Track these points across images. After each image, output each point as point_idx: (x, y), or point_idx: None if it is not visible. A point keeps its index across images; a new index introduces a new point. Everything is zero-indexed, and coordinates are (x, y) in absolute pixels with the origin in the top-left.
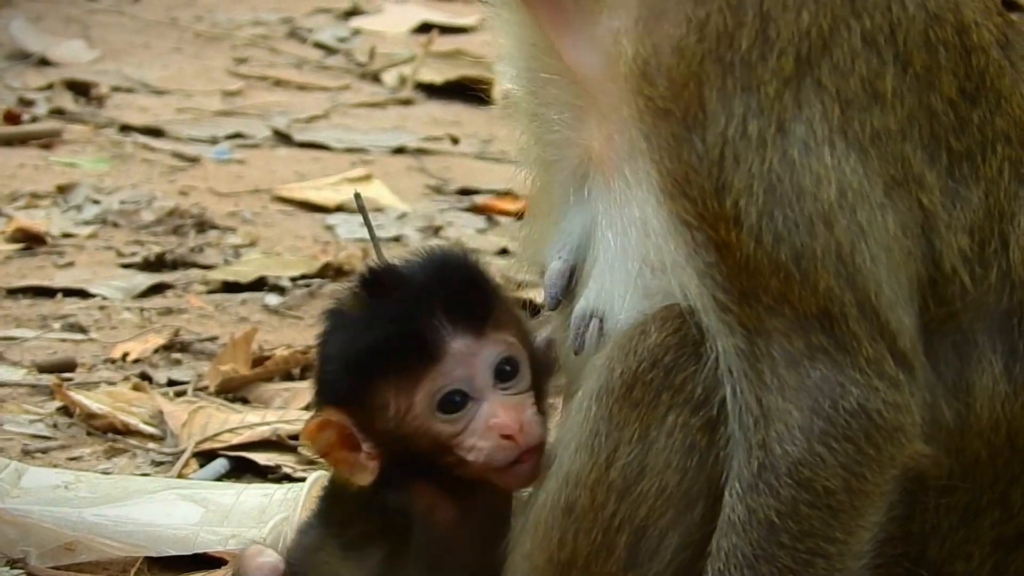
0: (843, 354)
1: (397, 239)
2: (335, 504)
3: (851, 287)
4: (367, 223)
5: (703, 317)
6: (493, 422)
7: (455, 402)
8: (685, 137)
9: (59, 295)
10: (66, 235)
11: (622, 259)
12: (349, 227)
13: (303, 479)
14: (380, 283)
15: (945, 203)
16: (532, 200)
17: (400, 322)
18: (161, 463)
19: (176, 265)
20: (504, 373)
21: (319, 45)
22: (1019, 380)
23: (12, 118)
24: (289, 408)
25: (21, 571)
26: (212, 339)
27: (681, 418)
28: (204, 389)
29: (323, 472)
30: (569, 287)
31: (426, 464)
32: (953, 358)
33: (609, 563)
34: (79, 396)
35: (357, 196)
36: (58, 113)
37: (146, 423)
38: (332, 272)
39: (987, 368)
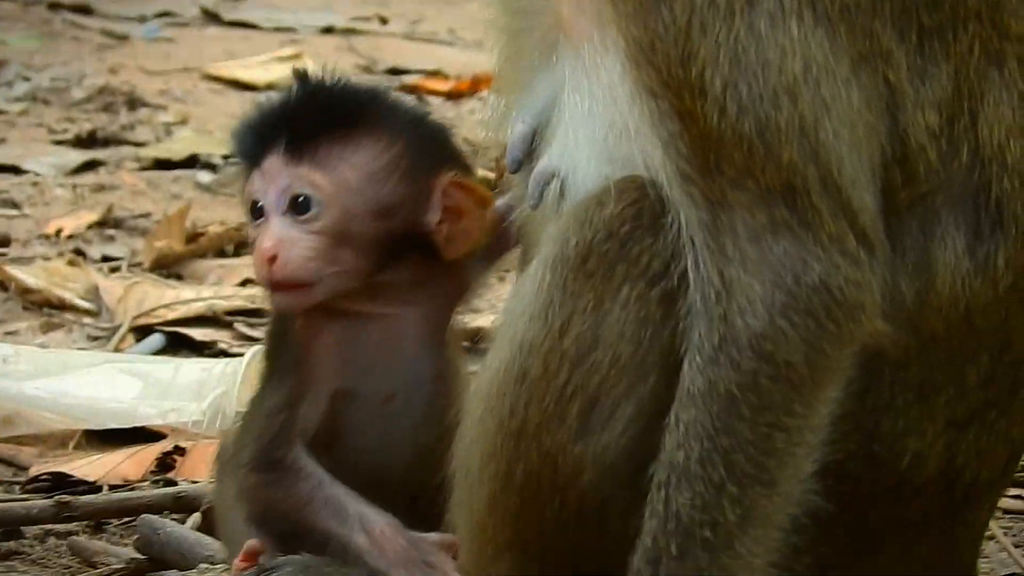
0: (805, 229)
1: None
2: None
3: (814, 161)
4: None
5: (666, 188)
6: (257, 241)
7: (255, 211)
8: (652, 5)
9: None
10: None
11: (588, 123)
12: None
13: (240, 354)
14: (299, 80)
15: (913, 80)
16: (499, 70)
17: (254, 125)
18: (97, 338)
19: (108, 142)
20: (297, 206)
21: None
22: (981, 258)
23: None
24: (224, 284)
25: None
26: (145, 215)
27: (636, 290)
28: (139, 265)
29: (261, 347)
30: (530, 150)
31: None
32: (918, 235)
33: (560, 431)
34: (14, 271)
35: (295, 71)
36: None
37: (81, 298)
38: None
39: (950, 245)
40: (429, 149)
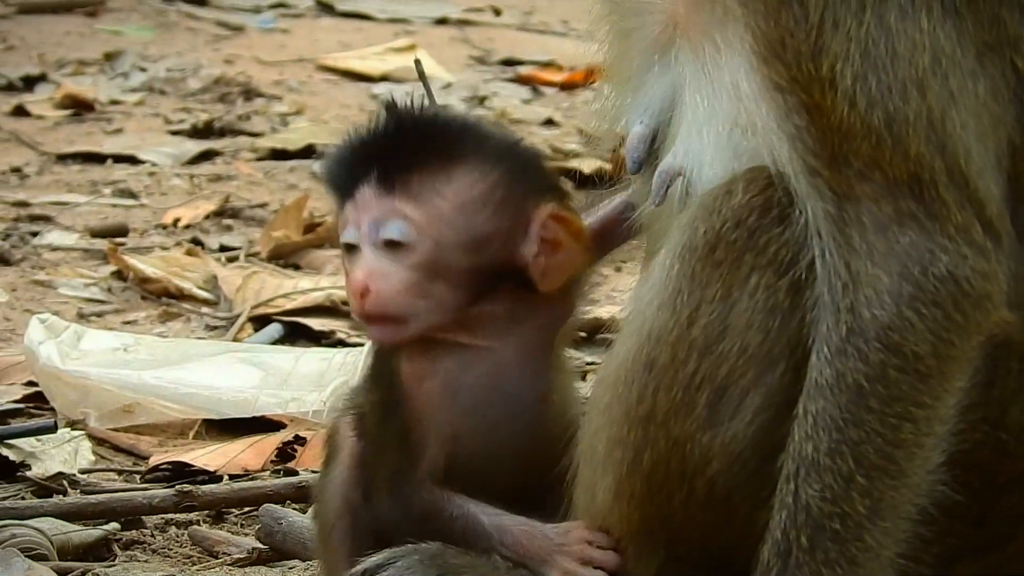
0: (932, 221)
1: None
2: None
3: (941, 153)
4: (427, 90)
5: (793, 181)
6: (351, 273)
7: (348, 244)
8: (784, 2)
9: (109, 161)
10: (114, 102)
11: (711, 121)
12: (394, 96)
13: (360, 345)
14: (390, 110)
15: None
16: (607, 70)
17: (345, 156)
18: (215, 327)
19: (224, 132)
20: (389, 240)
21: None
22: None
23: None
24: (341, 274)
25: (81, 432)
26: (262, 205)
27: (764, 279)
28: (255, 255)
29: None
30: (650, 151)
31: None
32: None
33: (688, 420)
34: (133, 260)
35: (417, 63)
36: None
37: (200, 288)
38: None
39: None
40: (524, 179)
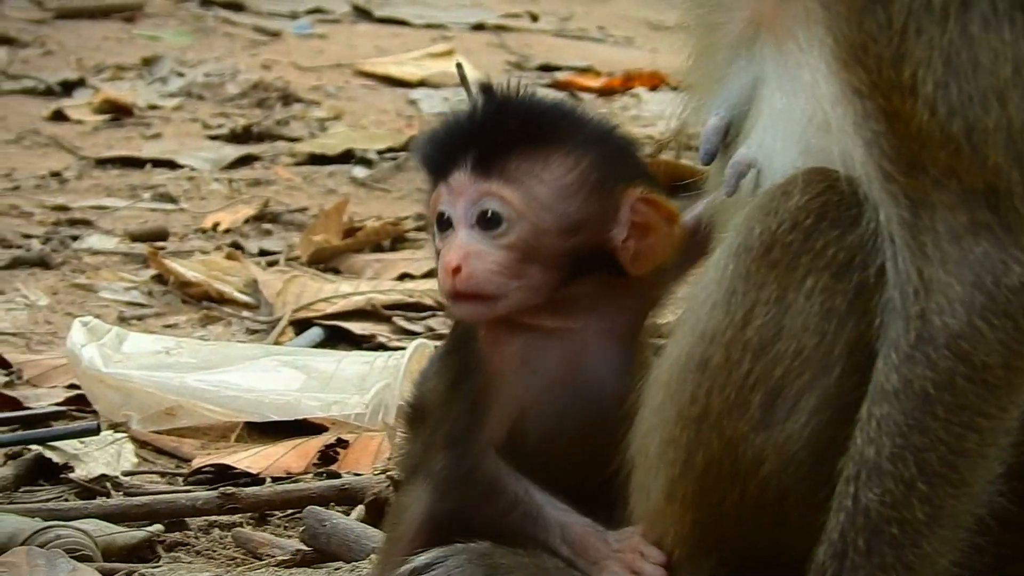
0: (1007, 232)
1: None
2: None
3: (1019, 165)
4: (468, 93)
5: (866, 186)
6: (444, 252)
7: (443, 224)
8: (868, 7)
9: (148, 165)
10: (152, 107)
11: (786, 117)
12: (432, 102)
13: (401, 348)
14: (484, 92)
15: None
16: (690, 64)
17: (445, 133)
18: (256, 331)
19: (262, 137)
20: (486, 220)
21: None
22: None
23: None
24: (381, 278)
25: (124, 435)
26: (301, 210)
27: (821, 282)
28: (295, 259)
29: (424, 341)
30: (724, 143)
31: None
32: None
33: (742, 421)
34: (173, 264)
35: (459, 66)
36: None
37: (240, 291)
38: None
39: None
40: (617, 163)
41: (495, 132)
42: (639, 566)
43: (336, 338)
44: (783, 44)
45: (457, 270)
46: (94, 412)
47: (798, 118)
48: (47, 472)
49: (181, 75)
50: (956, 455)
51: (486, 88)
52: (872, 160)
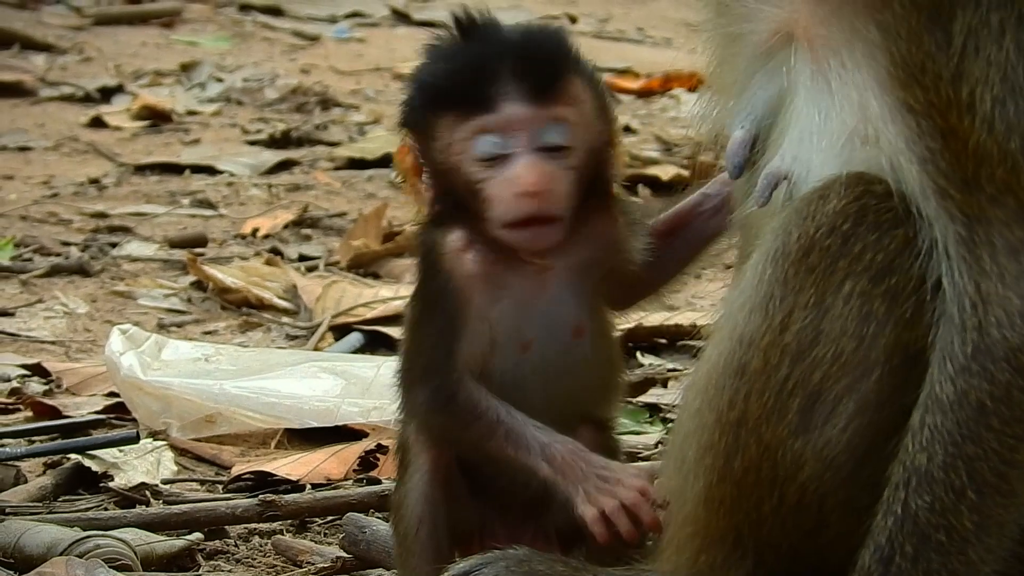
0: None
1: None
2: None
3: None
4: None
5: (921, 202)
6: (515, 176)
7: (491, 150)
8: (928, 27)
9: (187, 171)
10: (191, 112)
11: (825, 131)
12: None
13: None
14: (470, 27)
15: None
16: (710, 74)
17: (468, 69)
18: (296, 337)
19: (301, 142)
20: (550, 142)
21: None
22: None
23: None
24: None
25: (163, 443)
26: (340, 215)
27: (859, 286)
28: (335, 264)
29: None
30: (751, 156)
31: (463, 208)
32: None
33: (780, 425)
34: (213, 270)
35: None
36: None
37: (280, 297)
38: None
39: None
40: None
41: (543, 59)
42: (636, 502)
43: (376, 343)
44: (821, 60)
45: (538, 193)
46: (133, 420)
47: (838, 132)
48: (86, 481)
49: (220, 80)
50: (1008, 466)
51: (489, 20)
52: (927, 177)
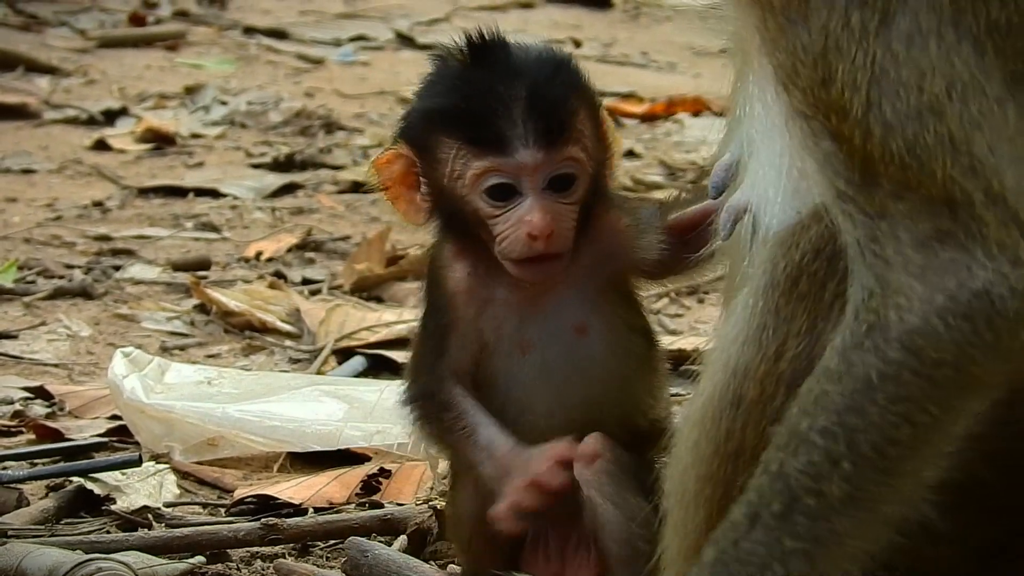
0: (971, 239)
1: None
2: None
3: (972, 176)
4: None
5: (829, 203)
6: (527, 219)
7: (502, 192)
8: (790, 29)
9: (190, 195)
10: (195, 135)
11: (767, 154)
12: None
13: None
14: (485, 52)
15: None
16: (730, 93)
17: (483, 102)
18: (299, 360)
19: (305, 165)
20: (559, 184)
21: None
22: None
23: (137, 20)
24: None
25: (166, 466)
26: (344, 239)
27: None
28: (338, 288)
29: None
30: (731, 180)
31: (464, 229)
32: None
33: None
34: (216, 294)
35: None
36: (182, 15)
37: (283, 321)
38: None
39: None
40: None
41: (557, 99)
42: (542, 478)
43: (379, 367)
44: (758, 82)
45: (549, 233)
46: (136, 443)
47: (776, 153)
48: (88, 504)
49: (224, 103)
50: (888, 442)
51: (498, 40)
52: (826, 180)
